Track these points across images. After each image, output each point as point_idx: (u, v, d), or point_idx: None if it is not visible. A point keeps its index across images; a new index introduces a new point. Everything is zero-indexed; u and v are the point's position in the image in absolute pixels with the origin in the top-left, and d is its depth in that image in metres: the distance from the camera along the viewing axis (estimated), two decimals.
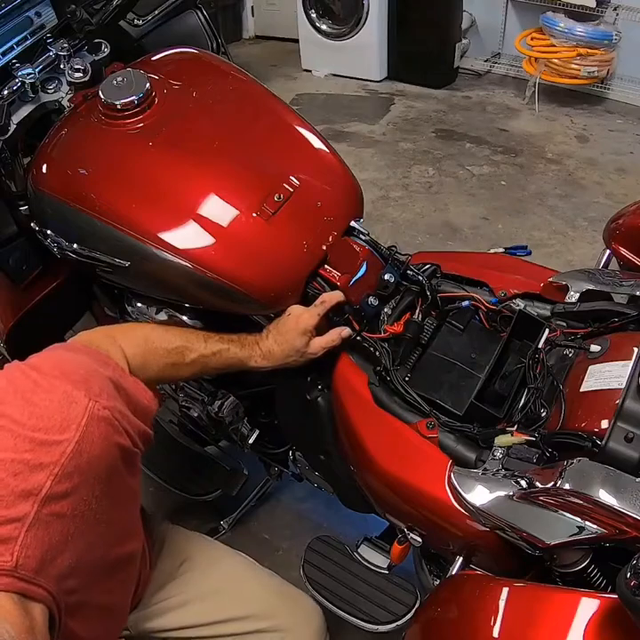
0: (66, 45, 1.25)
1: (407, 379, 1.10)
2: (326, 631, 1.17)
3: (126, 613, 0.92)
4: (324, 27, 4.06)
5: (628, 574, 0.64)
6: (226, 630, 1.07)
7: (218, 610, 1.08)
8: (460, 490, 0.92)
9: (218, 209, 1.11)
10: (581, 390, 0.93)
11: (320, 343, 1.12)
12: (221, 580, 1.10)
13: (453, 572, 0.98)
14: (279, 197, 1.13)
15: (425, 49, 3.89)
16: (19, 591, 0.60)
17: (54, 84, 1.29)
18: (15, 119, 1.23)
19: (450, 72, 4.04)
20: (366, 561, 1.26)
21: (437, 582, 1.21)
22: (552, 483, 0.81)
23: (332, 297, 1.13)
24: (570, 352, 1.03)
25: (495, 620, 0.80)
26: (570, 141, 3.43)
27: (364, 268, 1.17)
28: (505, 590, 0.81)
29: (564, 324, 1.10)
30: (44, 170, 1.18)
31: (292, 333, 1.09)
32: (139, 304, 1.29)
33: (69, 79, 1.27)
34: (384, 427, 1.05)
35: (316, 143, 1.26)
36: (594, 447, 0.85)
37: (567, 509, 0.81)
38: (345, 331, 1.13)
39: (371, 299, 1.16)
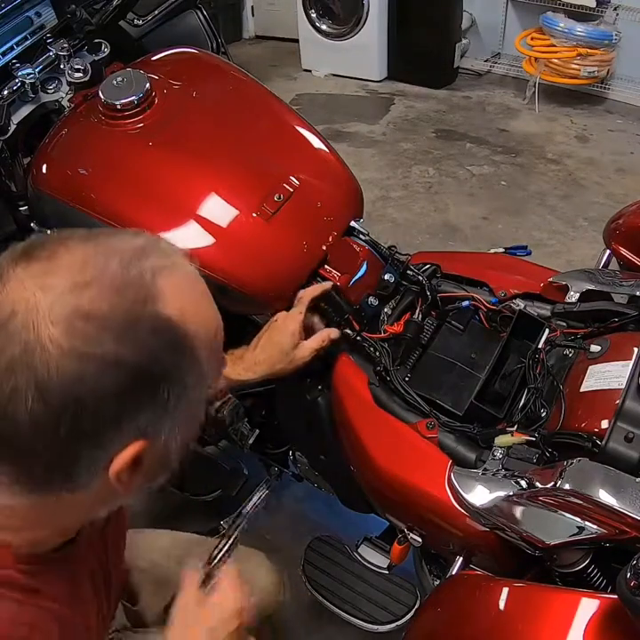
0: (66, 45, 1.26)
1: (407, 379, 1.10)
2: (282, 583, 1.14)
3: None
4: (324, 27, 4.05)
5: (628, 574, 0.64)
6: None
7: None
8: (459, 490, 0.92)
9: (218, 209, 1.11)
10: (581, 390, 0.93)
11: (309, 345, 1.09)
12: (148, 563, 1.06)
13: (453, 572, 0.98)
14: (279, 197, 1.13)
15: (425, 49, 3.88)
16: None
17: (54, 84, 1.29)
18: (15, 119, 1.23)
19: (450, 72, 4.03)
20: (366, 561, 1.26)
21: (437, 582, 1.21)
22: (552, 483, 0.81)
23: (308, 292, 1.11)
24: (570, 352, 1.03)
25: (495, 620, 0.80)
26: (570, 141, 3.43)
27: (364, 268, 1.17)
28: (505, 590, 0.81)
29: (564, 324, 1.10)
30: (43, 170, 1.18)
31: (278, 337, 1.07)
32: None
33: (69, 79, 1.27)
34: (384, 427, 1.05)
35: (316, 143, 1.26)
36: (594, 447, 0.85)
37: (567, 509, 0.81)
38: (334, 332, 1.11)
39: (371, 299, 1.16)
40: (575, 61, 3.46)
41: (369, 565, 1.26)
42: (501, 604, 0.80)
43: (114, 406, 0.51)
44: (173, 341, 0.53)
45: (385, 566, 1.25)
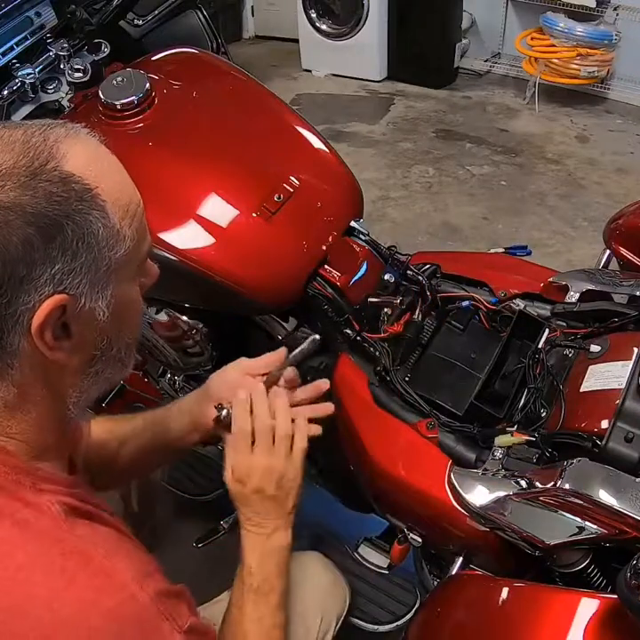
0: (66, 45, 1.26)
1: (407, 379, 1.10)
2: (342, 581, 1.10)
3: None
4: (324, 27, 4.05)
5: (628, 574, 0.64)
6: None
7: None
8: (460, 490, 0.92)
9: (218, 209, 1.11)
10: (581, 390, 0.93)
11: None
12: None
13: (453, 572, 0.98)
14: (279, 197, 1.13)
15: (425, 49, 3.88)
16: None
17: (54, 84, 1.29)
18: (15, 119, 1.23)
19: (450, 72, 4.03)
20: (366, 561, 1.26)
21: (437, 582, 1.21)
22: (552, 483, 0.81)
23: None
24: (570, 352, 1.03)
25: (495, 620, 0.80)
26: (570, 141, 3.43)
27: (364, 268, 1.17)
28: (505, 590, 0.81)
29: (564, 324, 1.10)
30: None
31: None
32: None
33: (69, 79, 1.27)
34: (384, 427, 1.05)
35: (316, 143, 1.26)
36: (594, 447, 0.85)
37: (567, 509, 0.81)
38: None
39: (371, 299, 1.16)
40: (575, 61, 3.46)
41: (369, 565, 1.26)
42: (501, 604, 0.80)
43: (22, 252, 0.54)
44: (75, 191, 0.56)
45: (385, 566, 1.25)
